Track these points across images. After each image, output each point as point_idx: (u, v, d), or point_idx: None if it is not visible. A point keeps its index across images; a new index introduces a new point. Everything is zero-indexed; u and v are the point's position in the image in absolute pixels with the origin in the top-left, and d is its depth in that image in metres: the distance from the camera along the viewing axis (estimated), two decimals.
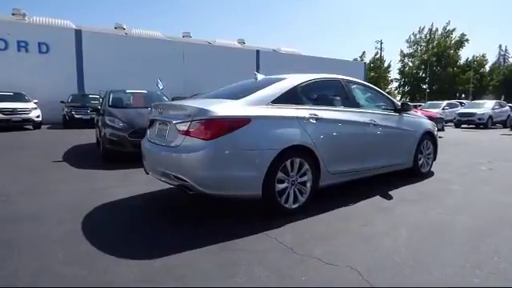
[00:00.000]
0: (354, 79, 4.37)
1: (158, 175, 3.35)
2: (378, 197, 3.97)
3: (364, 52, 48.27)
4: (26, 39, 17.28)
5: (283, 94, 3.35)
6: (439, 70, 41.95)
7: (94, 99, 15.39)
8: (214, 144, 2.80)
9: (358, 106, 4.11)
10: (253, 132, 2.97)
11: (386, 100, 4.68)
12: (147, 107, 7.13)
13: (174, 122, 3.05)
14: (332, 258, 2.36)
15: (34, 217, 3.20)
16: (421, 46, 43.92)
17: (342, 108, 3.88)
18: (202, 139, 2.82)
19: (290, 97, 3.41)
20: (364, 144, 4.01)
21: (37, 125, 12.95)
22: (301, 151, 3.27)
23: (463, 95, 41.95)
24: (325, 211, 3.39)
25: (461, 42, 42.23)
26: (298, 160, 3.26)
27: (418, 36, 43.77)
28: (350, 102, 4.02)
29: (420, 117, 5.34)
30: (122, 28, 24.84)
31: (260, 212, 3.30)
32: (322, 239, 2.71)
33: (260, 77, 4.00)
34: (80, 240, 2.67)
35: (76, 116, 13.96)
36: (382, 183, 4.47)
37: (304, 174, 3.35)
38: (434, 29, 42.57)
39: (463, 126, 17.92)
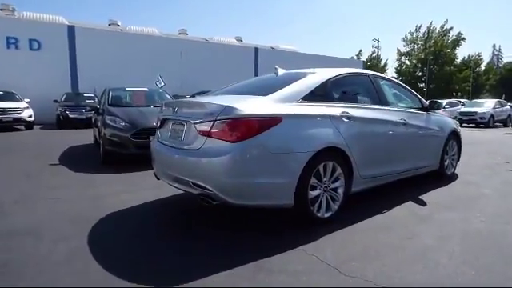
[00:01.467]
0: (381, 74, 4.04)
1: (172, 181, 2.97)
2: (410, 202, 3.65)
3: (361, 50, 48.25)
4: (16, 35, 16.60)
5: (313, 90, 2.99)
6: (436, 68, 41.97)
7: (89, 98, 14.93)
8: (242, 147, 2.43)
9: (387, 103, 3.78)
10: (284, 132, 2.61)
11: (413, 97, 4.36)
12: (149, 106, 6.78)
13: (192, 121, 2.68)
14: (388, 280, 2.02)
15: (32, 231, 2.80)
16: (418, 44, 43.90)
17: (373, 106, 3.55)
18: (228, 141, 2.45)
19: (321, 93, 3.06)
20: (395, 145, 3.69)
21: (29, 125, 12.42)
22: (334, 154, 2.92)
23: (459, 94, 42.02)
24: (359, 220, 3.05)
25: (457, 41, 42.34)
26: (330, 164, 2.91)
27: (414, 35, 43.80)
28: (379, 99, 3.69)
29: (444, 115, 5.03)
30: (116, 25, 24.21)
31: (288, 221, 2.95)
32: (367, 256, 2.37)
33: (281, 71, 3.64)
34: (88, 260, 2.29)
35: (70, 116, 13.42)
36: (407, 186, 4.14)
37: (337, 179, 3.01)
38: (431, 27, 42.66)
39: (464, 125, 17.77)
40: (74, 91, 16.71)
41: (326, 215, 2.92)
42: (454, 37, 42.19)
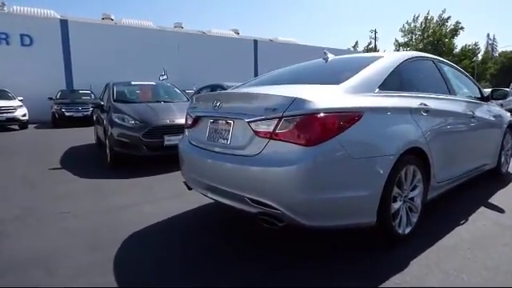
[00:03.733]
0: (443, 59, 3.47)
1: (213, 194, 2.39)
2: (482, 208, 3.12)
3: (357, 42, 47.57)
4: (7, 31, 15.73)
5: (388, 76, 2.41)
6: None
7: (85, 95, 14.20)
8: (320, 152, 1.85)
9: (454, 92, 3.22)
10: (366, 131, 2.03)
11: (473, 85, 3.81)
12: (159, 101, 6.13)
13: (246, 119, 2.08)
14: None
15: (40, 261, 2.21)
16: (415, 34, 43.29)
17: (445, 96, 3.00)
18: (300, 145, 1.86)
19: (395, 81, 2.49)
20: (465, 142, 3.15)
21: (23, 124, 11.69)
22: (414, 155, 2.36)
23: None
24: (440, 234, 2.51)
25: (456, 30, 41.82)
26: (411, 168, 2.36)
27: (412, 25, 43.12)
28: (447, 87, 3.13)
29: (496, 105, 4.49)
30: (109, 19, 23.25)
31: (352, 241, 2.40)
32: None
33: (331, 56, 3.05)
34: None
35: (66, 114, 12.69)
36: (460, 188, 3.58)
37: (415, 187, 2.45)
38: (429, 17, 42.00)
39: None
40: (68, 88, 15.93)
41: (407, 231, 2.37)
42: (452, 26, 41.66)
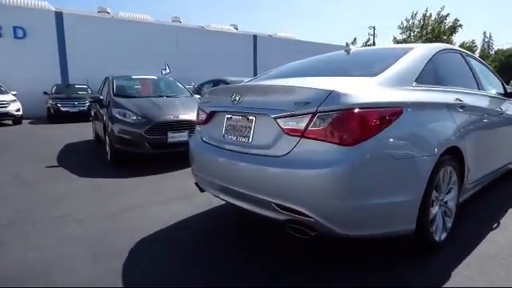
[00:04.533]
0: (469, 52, 3.26)
1: (229, 197, 2.18)
2: (510, 210, 2.94)
3: (355, 38, 47.24)
4: None
5: (424, 69, 2.20)
6: None
7: (82, 89, 13.85)
8: (361, 152, 1.63)
9: (482, 88, 3.02)
10: (406, 129, 1.82)
11: (497, 81, 3.61)
12: (161, 96, 5.88)
13: (272, 115, 1.85)
14: None
15: (38, 277, 1.97)
16: (414, 32, 43.13)
17: (476, 91, 2.80)
18: (338, 144, 1.64)
19: (430, 74, 2.28)
20: (496, 139, 2.98)
21: (17, 120, 11.34)
22: (451, 155, 2.16)
23: None
24: (474, 240, 2.33)
25: (454, 28, 41.74)
26: (448, 169, 2.16)
27: (410, 22, 42.92)
28: (475, 82, 2.93)
29: None
30: (106, 12, 22.76)
31: (383, 248, 2.19)
32: None
33: (353, 48, 2.82)
34: None
35: (62, 109, 12.34)
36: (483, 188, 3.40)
37: (450, 189, 2.26)
38: (428, 14, 41.86)
39: None
40: (64, 82, 15.53)
41: (443, 237, 2.18)
42: (451, 23, 41.57)
